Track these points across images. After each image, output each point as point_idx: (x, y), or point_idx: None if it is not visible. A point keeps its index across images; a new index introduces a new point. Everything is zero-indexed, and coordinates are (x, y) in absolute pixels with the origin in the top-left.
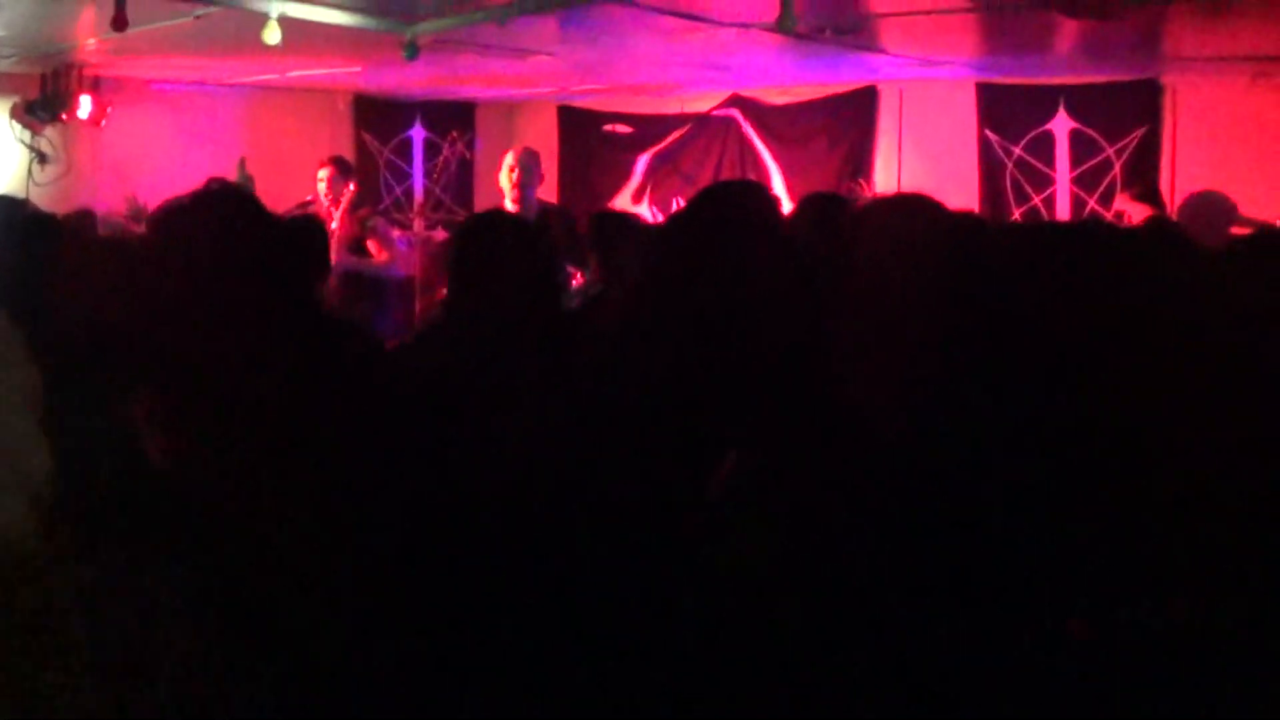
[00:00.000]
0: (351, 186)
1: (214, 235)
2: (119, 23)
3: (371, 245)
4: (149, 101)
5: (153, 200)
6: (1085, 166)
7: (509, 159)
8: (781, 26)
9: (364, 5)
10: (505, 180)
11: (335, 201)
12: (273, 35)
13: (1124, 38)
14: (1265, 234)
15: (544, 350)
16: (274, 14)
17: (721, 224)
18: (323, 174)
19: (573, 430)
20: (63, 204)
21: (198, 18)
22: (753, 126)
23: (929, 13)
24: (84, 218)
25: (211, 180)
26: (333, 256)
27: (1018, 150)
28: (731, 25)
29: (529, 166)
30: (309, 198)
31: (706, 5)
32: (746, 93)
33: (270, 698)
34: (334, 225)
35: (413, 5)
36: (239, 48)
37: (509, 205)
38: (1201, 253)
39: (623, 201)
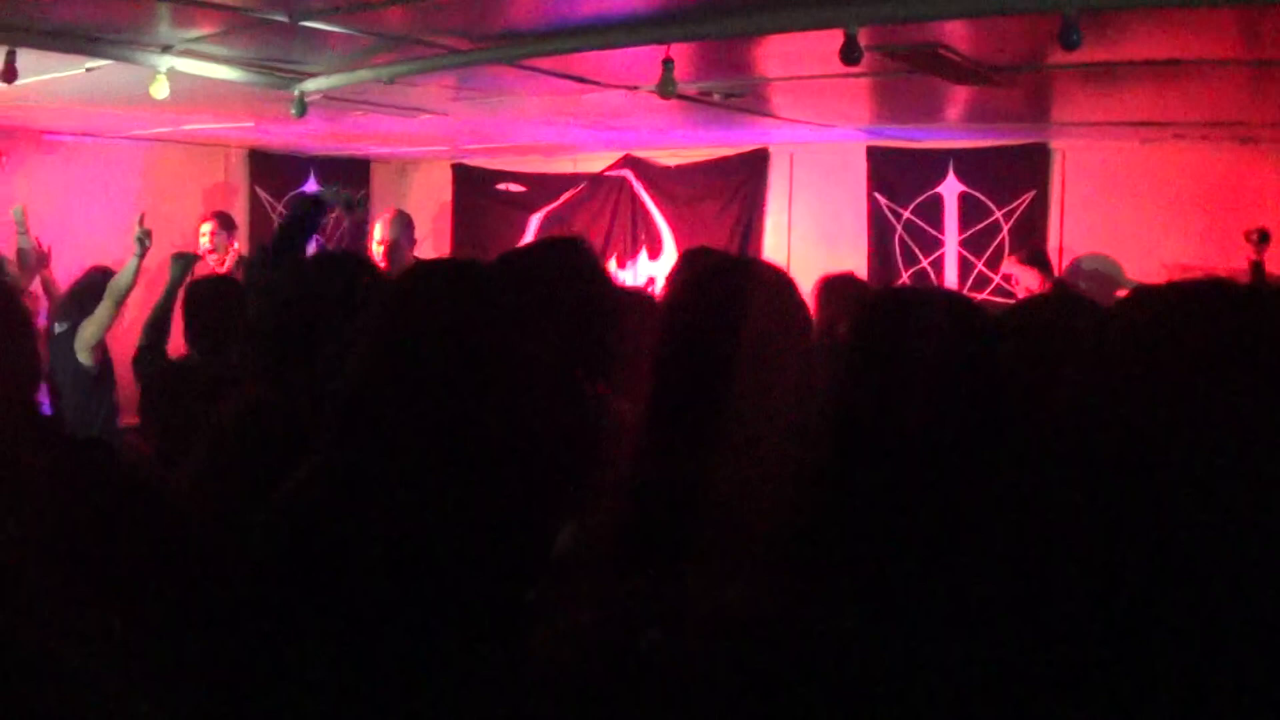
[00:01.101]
0: (236, 245)
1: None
2: (8, 74)
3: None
4: (44, 152)
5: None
6: (974, 229)
7: (377, 230)
8: (662, 90)
9: (252, 61)
10: (376, 247)
11: (220, 257)
12: (160, 90)
13: (1013, 103)
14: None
15: None
16: (162, 68)
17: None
18: (205, 228)
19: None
20: None
21: (88, 70)
22: (645, 187)
23: (816, 78)
24: None
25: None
26: None
27: (906, 213)
28: (620, 88)
29: (398, 228)
30: (197, 253)
31: (595, 68)
32: (639, 153)
33: None
34: None
35: (301, 62)
36: (132, 100)
37: (380, 264)
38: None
39: None
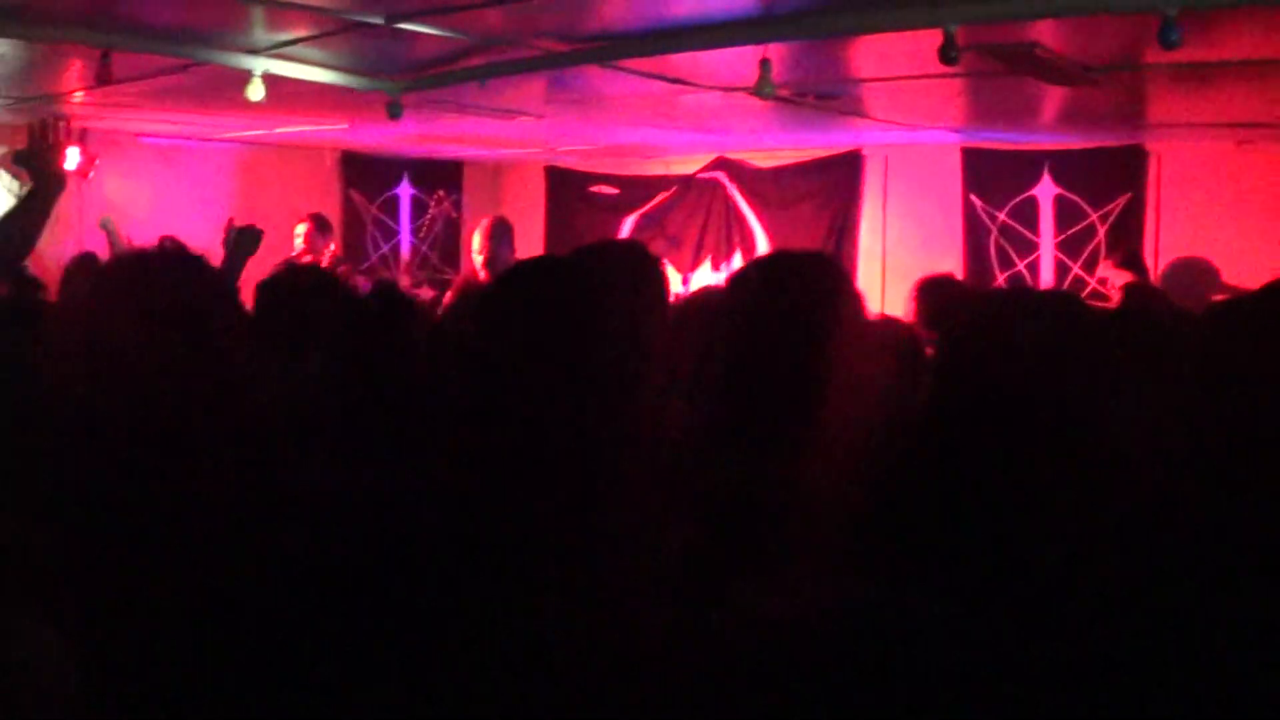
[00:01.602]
0: (332, 246)
1: (155, 295)
2: (105, 76)
3: None
4: (137, 154)
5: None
6: (1069, 232)
7: (476, 238)
8: (760, 91)
9: (348, 64)
10: (475, 257)
11: (314, 258)
12: (256, 92)
13: (1108, 104)
14: (1243, 298)
15: None
16: (258, 71)
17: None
18: (300, 230)
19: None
20: (48, 254)
21: (183, 73)
22: (738, 189)
23: (909, 78)
24: (87, 261)
25: (164, 239)
26: None
27: (1002, 216)
28: (714, 89)
29: (498, 238)
30: (293, 255)
31: (690, 69)
32: (732, 155)
33: None
34: None
35: (396, 64)
36: (226, 103)
37: (481, 276)
38: (1181, 317)
39: None
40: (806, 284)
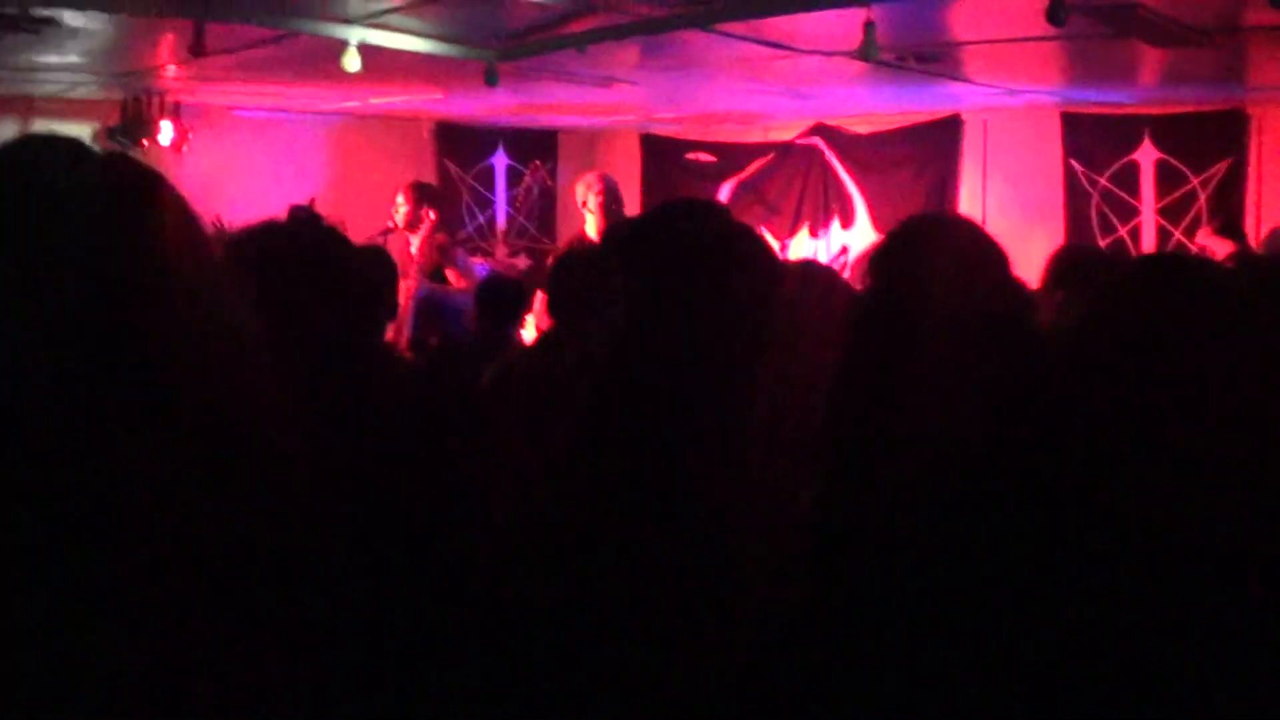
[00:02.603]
0: (433, 215)
1: (288, 264)
2: (198, 49)
3: (450, 274)
4: (230, 127)
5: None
6: (1171, 198)
7: (587, 195)
8: (864, 54)
9: (444, 32)
10: (589, 214)
11: (414, 228)
12: (352, 62)
13: (1209, 67)
14: None
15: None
16: (354, 41)
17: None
18: (401, 199)
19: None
20: None
21: (277, 44)
22: (836, 155)
23: (1012, 40)
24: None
25: (295, 208)
26: (413, 282)
27: (1103, 180)
28: (814, 53)
29: (614, 196)
30: (390, 225)
31: (789, 33)
32: (830, 121)
33: None
34: (413, 251)
35: (494, 32)
36: (320, 74)
37: (592, 233)
38: None
39: None
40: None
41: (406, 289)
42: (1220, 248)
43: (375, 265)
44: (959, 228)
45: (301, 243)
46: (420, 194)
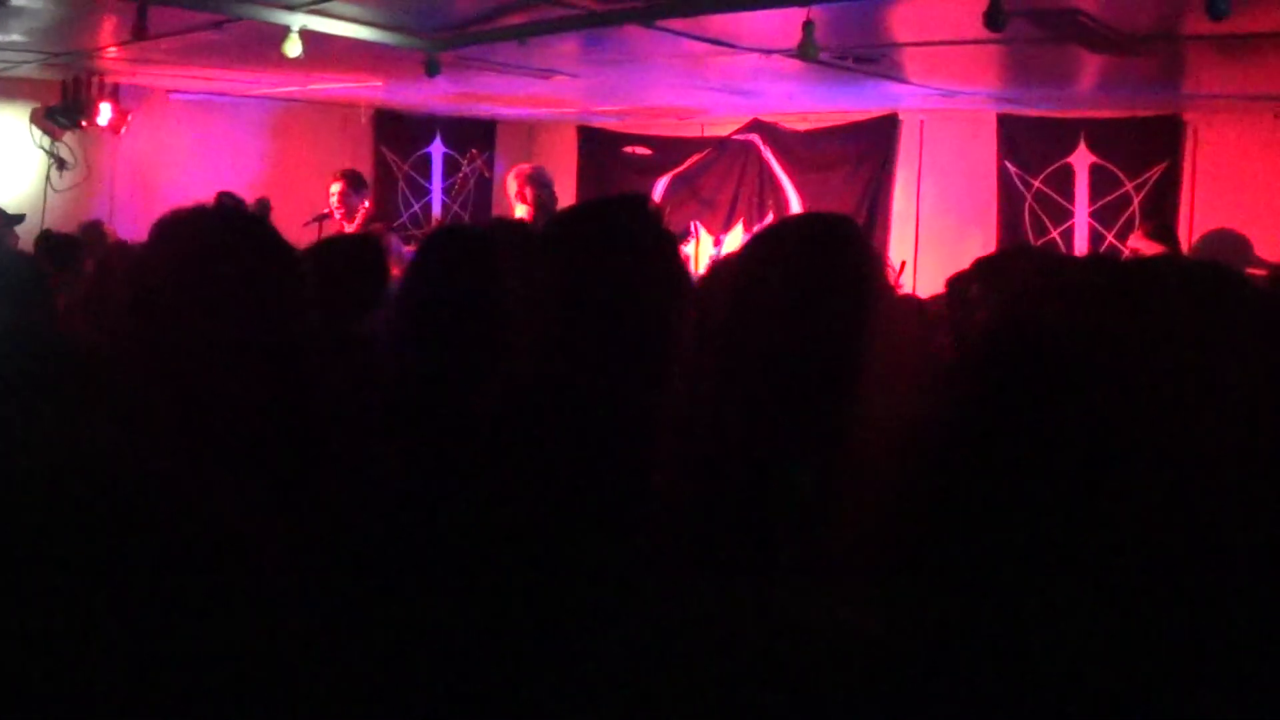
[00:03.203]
0: (366, 203)
1: (213, 249)
2: (140, 32)
3: None
4: (169, 110)
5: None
6: (1104, 201)
7: (515, 184)
8: (803, 53)
9: (386, 21)
10: (518, 204)
11: (348, 215)
12: (293, 48)
13: (1146, 73)
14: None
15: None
16: (295, 27)
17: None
18: (335, 188)
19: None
20: (80, 210)
21: (219, 29)
22: (772, 152)
23: (951, 43)
24: (94, 228)
25: (222, 195)
26: None
27: (1037, 183)
28: (754, 51)
29: (544, 184)
30: (325, 211)
31: (729, 30)
32: (767, 118)
33: None
34: None
35: (435, 22)
36: (260, 60)
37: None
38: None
39: None
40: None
41: None
42: (1151, 251)
43: (358, 251)
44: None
45: (223, 229)
46: (352, 182)
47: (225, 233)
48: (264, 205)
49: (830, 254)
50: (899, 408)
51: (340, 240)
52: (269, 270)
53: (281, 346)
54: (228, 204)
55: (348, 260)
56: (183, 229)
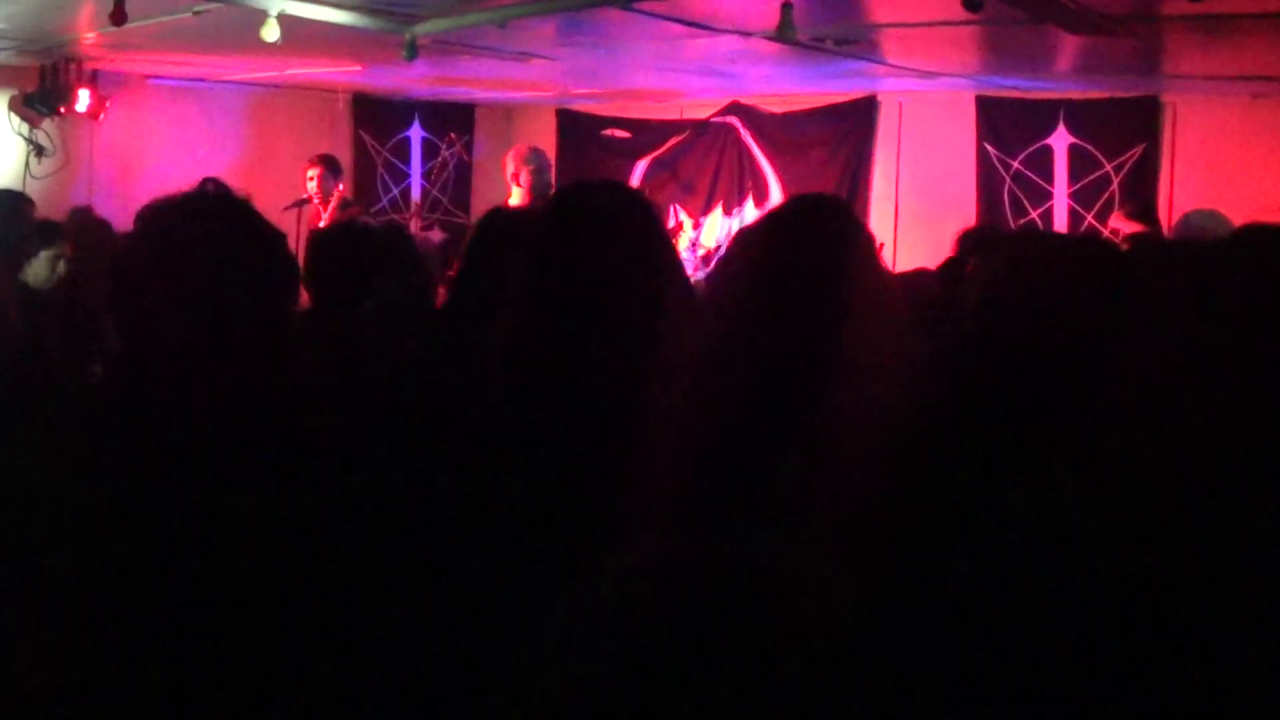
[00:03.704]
0: (340, 186)
1: (199, 238)
2: (118, 17)
3: None
4: (148, 96)
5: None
6: (1083, 182)
7: (511, 165)
8: (781, 35)
9: (364, 4)
10: (515, 186)
11: (324, 200)
12: (271, 33)
13: (1124, 54)
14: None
15: None
16: (273, 11)
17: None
18: (312, 173)
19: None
20: (60, 197)
21: (197, 14)
22: (751, 134)
23: (930, 24)
24: (83, 213)
25: (205, 180)
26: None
27: (1016, 164)
28: (732, 33)
29: (542, 165)
30: (305, 196)
31: (707, 12)
32: (746, 100)
33: None
34: (323, 223)
35: (413, 5)
36: (238, 45)
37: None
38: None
39: None
40: (821, 231)
41: None
42: (1132, 232)
43: (345, 244)
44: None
45: (209, 215)
46: (328, 166)
47: (210, 221)
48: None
49: (837, 240)
50: (890, 391)
51: (328, 232)
52: (256, 259)
53: (268, 337)
54: (211, 190)
55: (335, 253)
56: (165, 218)
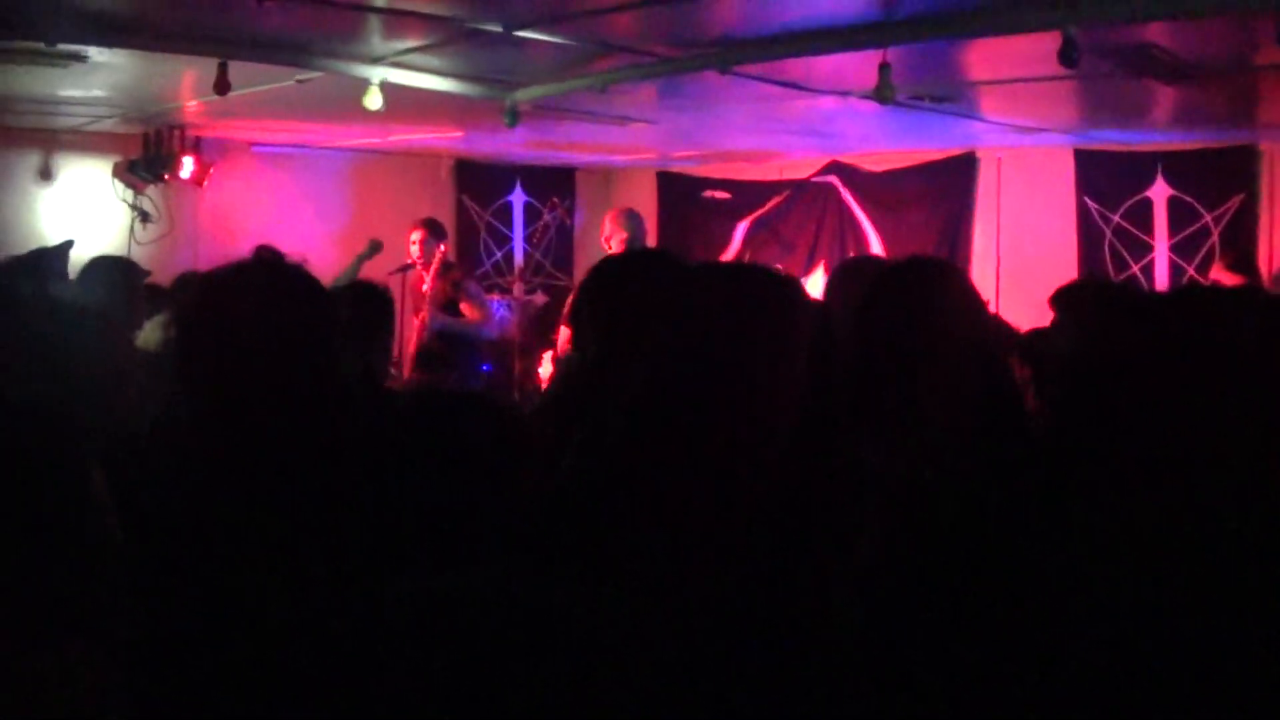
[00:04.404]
0: (443, 248)
1: (253, 307)
2: (221, 86)
3: (464, 307)
4: (250, 163)
5: None
6: (1183, 234)
7: (606, 226)
8: (879, 95)
9: (465, 72)
10: (607, 246)
11: (427, 263)
12: (374, 101)
13: (1220, 104)
14: None
15: None
16: (375, 80)
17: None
18: (415, 236)
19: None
20: (164, 263)
21: (299, 82)
22: (851, 193)
23: (1026, 80)
24: (190, 279)
25: (261, 248)
26: (426, 315)
27: (1116, 218)
28: (829, 93)
29: (637, 227)
30: (408, 260)
31: (804, 73)
32: (845, 159)
33: None
34: (425, 287)
35: (513, 72)
36: (340, 112)
37: None
38: None
39: None
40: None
41: (420, 322)
42: (1232, 283)
43: (365, 300)
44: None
45: (260, 283)
46: (431, 230)
47: (259, 286)
48: (375, 246)
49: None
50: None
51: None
52: (302, 318)
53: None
54: (266, 258)
55: (354, 307)
56: (218, 283)
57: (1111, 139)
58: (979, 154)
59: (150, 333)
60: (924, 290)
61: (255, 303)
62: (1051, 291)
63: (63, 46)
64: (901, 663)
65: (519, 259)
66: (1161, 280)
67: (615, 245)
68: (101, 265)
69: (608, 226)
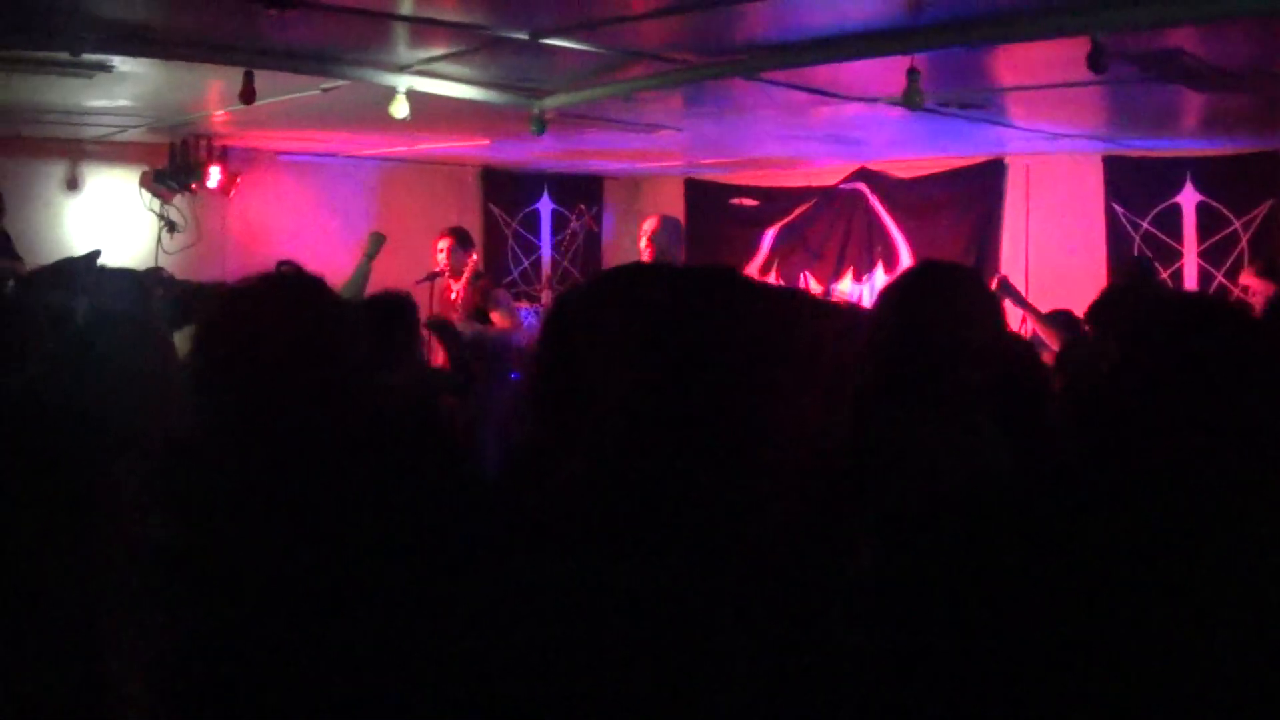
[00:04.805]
0: (474, 257)
1: (273, 323)
2: (247, 95)
3: (494, 315)
4: (277, 172)
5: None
6: (1212, 240)
7: (649, 228)
8: (908, 102)
9: (492, 80)
10: (643, 249)
11: (455, 272)
12: (400, 109)
13: (1250, 110)
14: None
15: None
16: (401, 88)
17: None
18: (442, 245)
19: None
20: (192, 273)
21: (325, 91)
22: (879, 199)
23: (1054, 86)
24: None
25: (282, 263)
26: (456, 323)
27: (1145, 224)
28: (857, 100)
29: (672, 233)
30: (437, 269)
31: (833, 80)
32: (873, 165)
33: None
34: (453, 295)
35: (540, 80)
36: (367, 121)
37: None
38: None
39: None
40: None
41: None
42: (1262, 289)
43: (389, 309)
44: (965, 275)
45: (278, 297)
46: (459, 239)
47: (279, 300)
48: (377, 239)
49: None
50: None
51: (368, 302)
52: (322, 332)
53: (336, 410)
54: (286, 272)
55: (373, 320)
56: (238, 297)
57: (1140, 145)
58: (1007, 160)
59: (182, 342)
60: (953, 293)
61: (273, 317)
62: (1078, 296)
63: (88, 57)
64: (915, 668)
65: (546, 267)
66: (1191, 286)
67: (646, 255)
68: (140, 276)
69: (645, 234)
